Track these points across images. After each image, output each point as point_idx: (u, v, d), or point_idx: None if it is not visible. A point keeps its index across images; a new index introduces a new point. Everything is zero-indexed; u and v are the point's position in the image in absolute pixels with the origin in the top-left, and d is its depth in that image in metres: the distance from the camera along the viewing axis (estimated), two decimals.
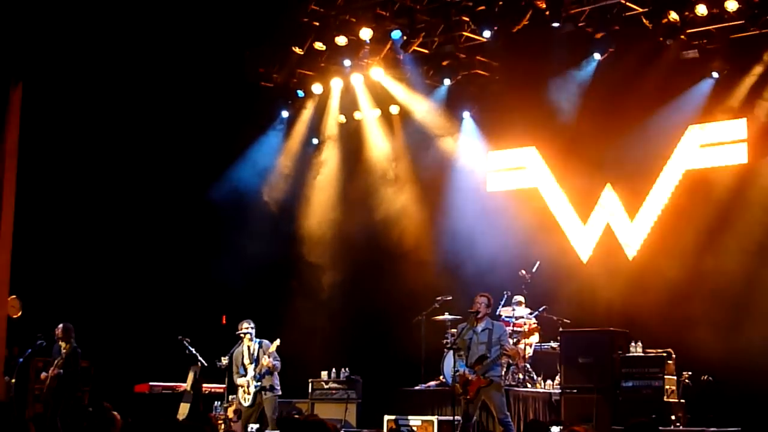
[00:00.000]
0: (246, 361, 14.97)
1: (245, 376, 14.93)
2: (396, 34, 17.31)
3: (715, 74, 16.54)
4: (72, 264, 17.79)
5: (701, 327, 15.29)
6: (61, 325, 15.38)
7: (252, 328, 15.06)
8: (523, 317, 16.45)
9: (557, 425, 13.44)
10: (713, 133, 16.89)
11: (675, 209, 17.01)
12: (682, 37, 16.09)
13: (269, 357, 14.76)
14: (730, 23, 15.73)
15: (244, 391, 14.94)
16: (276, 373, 14.95)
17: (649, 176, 17.35)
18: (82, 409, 14.53)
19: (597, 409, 14.79)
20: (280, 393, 15.09)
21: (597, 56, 16.82)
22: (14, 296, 14.32)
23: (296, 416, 14.74)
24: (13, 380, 14.91)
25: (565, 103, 17.50)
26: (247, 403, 14.91)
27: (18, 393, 15.01)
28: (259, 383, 14.82)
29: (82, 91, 17.10)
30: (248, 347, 15.02)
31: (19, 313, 14.87)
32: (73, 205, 17.85)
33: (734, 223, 15.99)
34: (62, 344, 15.31)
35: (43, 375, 15.43)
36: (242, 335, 15.05)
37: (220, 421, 15.27)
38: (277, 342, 14.90)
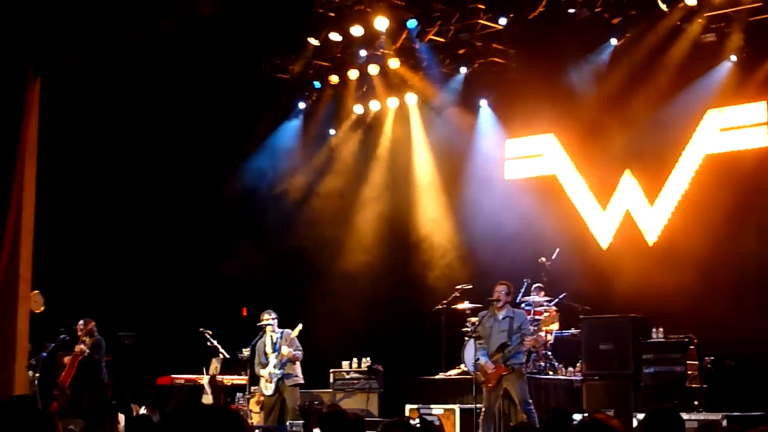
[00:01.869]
0: (268, 350, 15.03)
1: (267, 366, 14.98)
2: (411, 23, 17.28)
3: (733, 57, 16.44)
4: (94, 259, 17.88)
5: (723, 312, 15.23)
6: (82, 321, 15.45)
7: (274, 318, 15.11)
8: (543, 304, 16.43)
9: (580, 413, 13.43)
10: (732, 117, 16.81)
11: (695, 194, 16.92)
12: (700, 20, 16.03)
13: (289, 346, 14.80)
14: (748, 5, 15.65)
15: (265, 381, 15.00)
16: (298, 363, 14.99)
17: (668, 161, 17.27)
18: (105, 400, 14.58)
19: (618, 395, 14.78)
20: (302, 382, 15.13)
21: (614, 41, 16.76)
22: (37, 291, 14.42)
23: (317, 405, 14.80)
24: (37, 374, 14.97)
25: (583, 89, 17.45)
26: (268, 392, 14.97)
27: (41, 387, 15.07)
28: (280, 371, 14.87)
29: (100, 86, 17.14)
30: (270, 337, 15.08)
31: (42, 308, 14.96)
32: (94, 200, 17.94)
33: (755, 207, 15.92)
34: (85, 339, 15.37)
35: (66, 359, 15.46)
36: (264, 326, 15.10)
37: (241, 413, 15.31)
38: (299, 327, 14.94)
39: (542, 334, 15.85)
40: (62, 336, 15.38)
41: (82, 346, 15.29)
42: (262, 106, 19.35)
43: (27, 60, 13.05)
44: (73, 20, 13.08)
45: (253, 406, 15.44)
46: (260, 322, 15.15)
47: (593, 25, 16.52)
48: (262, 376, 15.04)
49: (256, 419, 15.40)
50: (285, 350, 14.80)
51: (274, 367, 14.90)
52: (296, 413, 14.64)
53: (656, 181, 17.41)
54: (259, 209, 19.64)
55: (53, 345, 15.27)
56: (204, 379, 16.55)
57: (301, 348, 14.98)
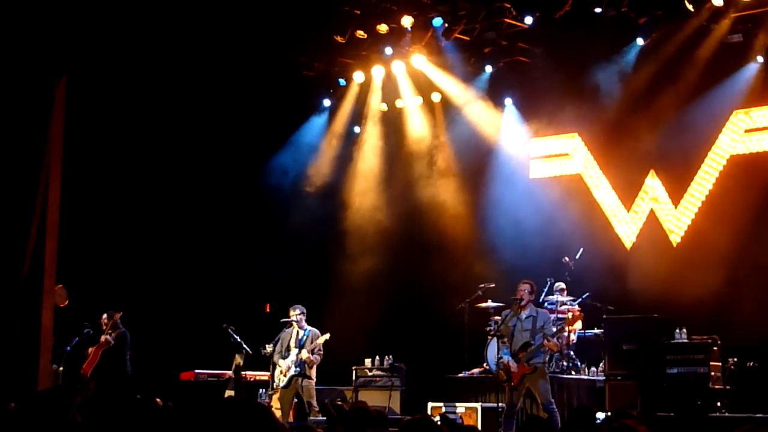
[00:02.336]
0: (292, 343, 15.08)
1: (286, 359, 15.04)
2: (437, 21, 17.28)
3: (760, 58, 16.38)
4: (118, 253, 17.95)
5: (747, 313, 15.18)
6: (105, 314, 15.52)
7: (301, 314, 15.15)
8: (566, 304, 16.40)
9: (602, 412, 13.40)
10: (758, 118, 16.75)
11: (720, 195, 16.85)
12: (726, 21, 15.96)
13: (309, 351, 14.84)
14: None
15: (281, 372, 15.06)
16: (315, 366, 15.08)
17: (693, 162, 17.21)
18: (129, 396, 14.64)
19: (641, 396, 14.73)
20: (313, 383, 15.16)
21: (640, 41, 16.71)
22: (61, 285, 14.50)
23: (340, 403, 14.82)
24: (61, 368, 15.05)
25: (608, 89, 17.40)
26: (281, 384, 15.04)
27: (65, 381, 15.14)
28: (297, 369, 14.93)
29: (127, 82, 17.22)
30: (297, 333, 15.12)
31: (66, 302, 15.06)
32: (120, 195, 18.00)
33: None
34: (111, 332, 15.43)
35: (91, 349, 15.51)
36: (290, 322, 15.15)
37: None
38: (326, 337, 14.98)
39: (565, 335, 15.82)
40: (86, 330, 15.43)
41: (107, 337, 15.34)
42: (287, 103, 19.38)
43: (54, 56, 13.12)
44: (100, 17, 13.15)
45: (275, 402, 15.50)
46: (288, 317, 15.19)
47: (619, 24, 16.46)
48: (279, 366, 15.09)
49: (278, 414, 15.44)
50: (304, 354, 14.87)
51: (293, 362, 14.95)
52: (314, 409, 14.70)
53: (681, 181, 17.35)
54: (283, 205, 19.67)
55: (77, 339, 15.34)
56: (229, 374, 16.62)
57: (322, 353, 15.01)
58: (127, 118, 17.75)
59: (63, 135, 13.48)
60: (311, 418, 14.60)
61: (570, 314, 16.27)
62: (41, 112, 13.01)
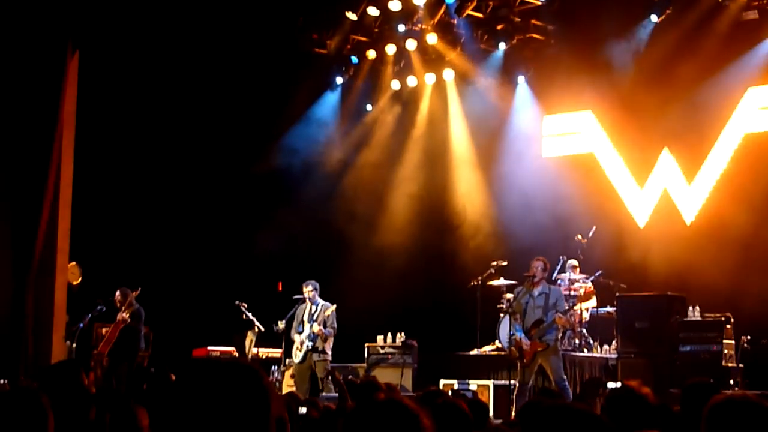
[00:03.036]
0: (305, 318, 15.09)
1: (301, 334, 15.06)
2: None
3: None
4: (131, 231, 17.98)
5: (760, 291, 15.13)
6: (119, 291, 15.56)
7: (314, 290, 15.13)
8: (578, 282, 16.39)
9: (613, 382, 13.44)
10: None
11: (734, 173, 16.78)
12: None
13: (320, 324, 14.85)
14: None
15: (297, 348, 15.10)
16: (330, 340, 15.05)
17: (707, 140, 17.14)
18: (143, 370, 14.70)
19: (654, 373, 14.71)
20: (329, 359, 15.14)
21: (654, 18, 16.63)
22: (74, 263, 14.55)
23: (351, 379, 14.85)
24: (74, 345, 15.11)
25: (622, 66, 17.33)
26: (297, 360, 15.07)
27: (78, 358, 15.19)
28: (311, 342, 14.95)
29: (137, 60, 17.21)
30: (310, 307, 15.13)
31: (79, 280, 15.10)
32: (132, 171, 18.02)
33: None
34: (123, 309, 15.47)
35: (104, 329, 15.56)
36: (306, 298, 15.15)
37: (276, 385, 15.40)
38: (333, 307, 14.98)
39: (577, 311, 15.80)
40: (99, 307, 15.48)
41: (124, 315, 15.36)
42: (299, 81, 19.36)
43: (66, 34, 13.13)
44: None
45: (288, 379, 15.53)
46: (302, 294, 15.19)
47: (633, 1, 16.39)
48: (294, 342, 15.12)
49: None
50: (315, 327, 14.86)
51: (307, 337, 14.97)
52: (328, 385, 14.72)
53: (695, 159, 17.29)
54: (295, 183, 19.68)
55: (90, 316, 15.39)
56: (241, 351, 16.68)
57: (335, 327, 14.99)
58: (141, 95, 17.74)
59: (76, 112, 13.51)
60: (323, 394, 14.62)
61: (582, 291, 16.26)
62: (54, 89, 13.03)
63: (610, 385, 13.06)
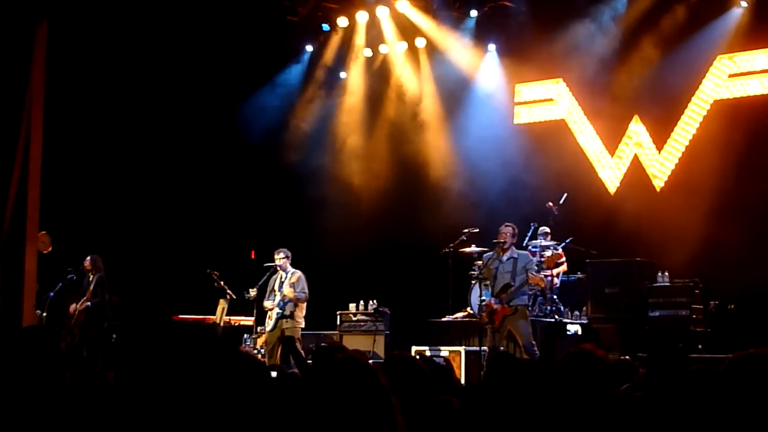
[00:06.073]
0: (276, 286, 15.09)
1: (273, 301, 15.06)
2: None
3: (744, 3, 16.36)
4: (101, 199, 17.94)
5: (729, 257, 15.28)
6: (89, 257, 15.58)
7: (285, 258, 15.11)
8: (550, 248, 16.46)
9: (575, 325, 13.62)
10: (742, 63, 16.71)
11: (703, 140, 16.84)
12: None
13: (293, 286, 14.85)
14: None
15: (268, 317, 15.11)
16: (302, 307, 15.03)
17: (677, 107, 17.20)
18: (107, 339, 14.79)
19: (624, 338, 14.85)
20: (302, 325, 15.14)
21: None
22: (44, 232, 14.49)
23: (323, 346, 14.88)
24: (45, 314, 15.12)
25: (593, 34, 17.37)
26: (268, 328, 15.08)
27: (49, 326, 15.19)
28: (281, 311, 14.95)
29: (107, 28, 17.10)
30: (281, 275, 15.12)
31: (50, 249, 15.06)
32: (102, 139, 17.95)
33: (764, 154, 15.85)
34: (91, 276, 15.54)
35: (72, 307, 15.63)
36: (275, 266, 15.14)
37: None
38: (299, 273, 14.96)
39: (548, 278, 15.88)
40: (70, 276, 15.51)
41: (87, 304, 15.43)
42: (269, 48, 19.28)
43: (34, 1, 13.00)
44: None
45: (260, 346, 15.56)
46: (273, 261, 15.19)
47: None
48: (267, 310, 15.11)
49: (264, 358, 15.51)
50: (286, 290, 14.85)
51: (277, 305, 14.97)
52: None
53: (665, 126, 17.36)
54: (265, 152, 19.65)
55: (61, 284, 15.40)
56: (213, 319, 16.69)
57: (306, 291, 14.98)
58: (108, 64, 17.65)
59: (44, 81, 13.41)
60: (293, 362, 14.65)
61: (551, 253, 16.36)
62: (22, 58, 12.90)
63: (571, 327, 13.26)
